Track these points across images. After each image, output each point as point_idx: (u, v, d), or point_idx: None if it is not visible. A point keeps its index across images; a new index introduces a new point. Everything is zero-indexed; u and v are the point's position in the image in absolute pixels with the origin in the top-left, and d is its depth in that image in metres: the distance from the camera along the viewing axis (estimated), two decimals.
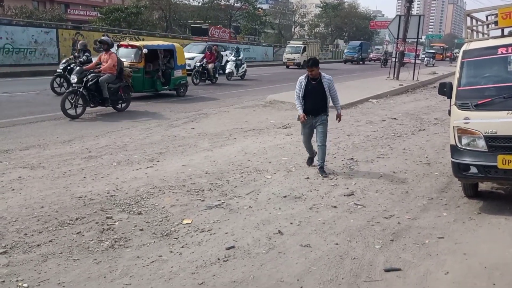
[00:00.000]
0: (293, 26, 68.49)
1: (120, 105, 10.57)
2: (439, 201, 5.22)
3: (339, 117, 6.30)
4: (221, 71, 19.96)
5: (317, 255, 3.74)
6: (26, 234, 3.93)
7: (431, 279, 3.40)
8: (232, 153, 7.01)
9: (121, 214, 4.48)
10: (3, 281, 3.19)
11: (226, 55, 22.67)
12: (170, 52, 13.61)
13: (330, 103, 6.19)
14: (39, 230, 4.03)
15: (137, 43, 13.42)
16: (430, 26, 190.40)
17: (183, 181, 5.57)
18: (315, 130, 6.16)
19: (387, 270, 3.51)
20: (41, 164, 6.07)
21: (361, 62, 46.35)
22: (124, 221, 4.31)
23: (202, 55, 19.29)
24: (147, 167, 6.10)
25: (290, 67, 32.48)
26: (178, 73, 13.67)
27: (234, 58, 20.52)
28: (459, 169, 4.77)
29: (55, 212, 4.45)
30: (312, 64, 5.94)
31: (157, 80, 13.13)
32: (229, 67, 20.12)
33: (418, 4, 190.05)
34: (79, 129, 8.48)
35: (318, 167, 6.09)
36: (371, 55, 54.31)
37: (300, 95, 6.03)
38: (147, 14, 36.72)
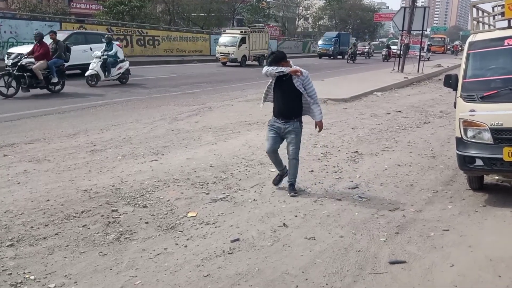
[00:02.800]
0: (297, 19, 68.11)
1: None
2: (444, 193, 5.21)
3: (319, 126, 5.00)
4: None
5: (321, 247, 3.75)
6: (32, 227, 3.96)
7: (436, 272, 3.40)
8: (236, 146, 7.01)
9: (126, 207, 4.50)
10: (10, 274, 3.22)
11: (91, 49, 15.42)
12: None
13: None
14: (45, 223, 4.05)
15: None
16: (435, 18, 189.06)
17: (187, 174, 5.58)
18: (284, 140, 5.01)
19: (392, 263, 3.51)
20: (46, 157, 6.10)
21: (339, 57, 37.89)
22: (129, 214, 4.33)
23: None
24: (152, 161, 6.12)
25: (227, 64, 25.01)
26: None
27: (100, 54, 13.50)
28: (465, 162, 4.75)
29: (60, 205, 4.47)
30: (272, 60, 4.70)
31: None
32: (92, 67, 13.31)
33: None
34: (83, 122, 8.50)
35: (288, 183, 5.05)
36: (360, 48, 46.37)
37: (271, 86, 4.91)
38: (151, 7, 36.60)
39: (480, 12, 5.59)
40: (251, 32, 26.91)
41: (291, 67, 4.76)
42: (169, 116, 9.35)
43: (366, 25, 68.09)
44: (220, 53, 25.57)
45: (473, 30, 5.42)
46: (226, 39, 25.92)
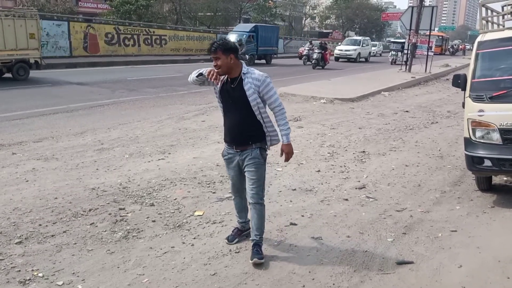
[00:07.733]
0: (304, 18, 67.98)
1: None
2: (452, 194, 5.17)
3: (286, 153, 3.40)
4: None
5: (328, 247, 3.74)
6: (40, 225, 3.99)
7: (444, 272, 3.38)
8: None
9: (133, 205, 4.52)
10: (19, 271, 3.24)
11: None
12: None
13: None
14: (53, 221, 4.08)
15: None
16: (443, 18, 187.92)
17: (194, 173, 5.59)
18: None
19: (400, 263, 3.50)
20: (54, 156, 6.14)
21: (257, 61, 25.12)
22: (136, 212, 4.35)
23: None
24: (159, 159, 6.14)
25: None
26: None
27: None
28: (473, 162, 4.71)
29: (68, 203, 4.50)
30: (217, 48, 3.19)
31: None
32: None
33: None
34: (91, 121, 8.54)
35: (252, 242, 3.51)
36: (301, 49, 31.52)
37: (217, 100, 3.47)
38: (158, 6, 36.72)
39: (489, 11, 5.54)
40: None
41: (239, 67, 3.29)
42: (176, 115, 9.38)
43: (374, 24, 67.81)
44: None
45: (482, 29, 5.37)
46: None
